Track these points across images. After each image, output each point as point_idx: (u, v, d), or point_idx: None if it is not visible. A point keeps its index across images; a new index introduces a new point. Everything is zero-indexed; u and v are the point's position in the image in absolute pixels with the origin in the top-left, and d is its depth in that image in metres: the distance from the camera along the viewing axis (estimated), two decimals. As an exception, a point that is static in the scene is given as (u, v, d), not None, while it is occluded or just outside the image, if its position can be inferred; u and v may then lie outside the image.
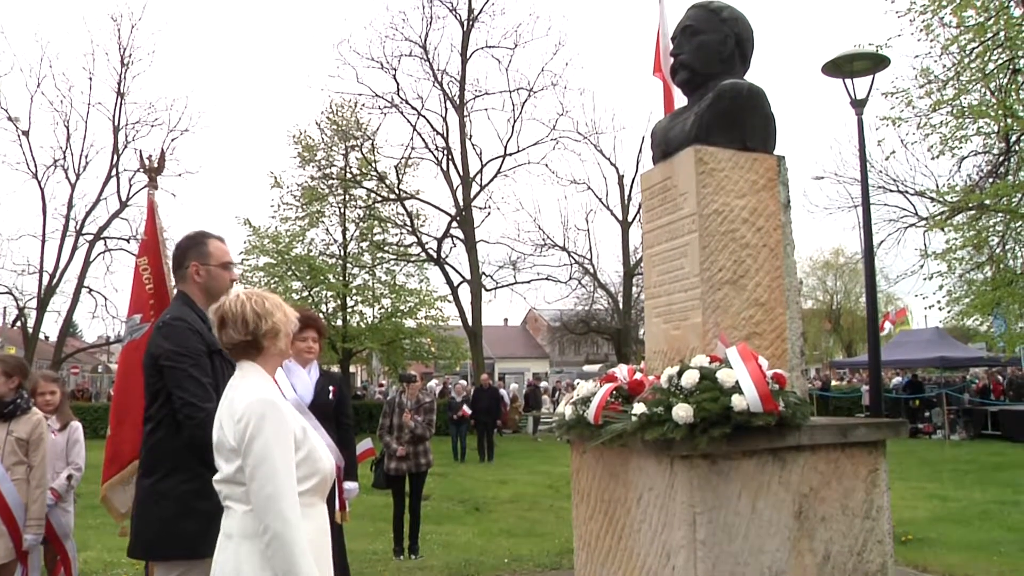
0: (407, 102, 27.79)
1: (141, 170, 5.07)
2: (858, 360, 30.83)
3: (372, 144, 28.18)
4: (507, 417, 24.63)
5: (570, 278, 29.93)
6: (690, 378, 3.25)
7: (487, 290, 28.71)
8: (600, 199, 30.16)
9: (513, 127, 28.96)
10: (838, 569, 3.53)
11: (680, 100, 4.76)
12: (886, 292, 35.18)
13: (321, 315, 23.22)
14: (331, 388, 5.31)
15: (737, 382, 3.19)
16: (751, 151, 3.98)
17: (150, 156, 5.06)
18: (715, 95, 3.97)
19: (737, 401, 3.13)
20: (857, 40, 10.50)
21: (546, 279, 29.78)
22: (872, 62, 9.92)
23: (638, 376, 3.73)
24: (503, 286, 29.65)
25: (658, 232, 4.14)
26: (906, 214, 18.43)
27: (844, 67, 9.84)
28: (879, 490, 3.69)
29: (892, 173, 18.60)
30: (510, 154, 28.59)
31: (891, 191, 18.52)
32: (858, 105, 10.16)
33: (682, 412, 3.11)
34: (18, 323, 27.78)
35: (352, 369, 30.96)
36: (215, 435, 2.63)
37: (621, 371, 3.84)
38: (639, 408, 3.29)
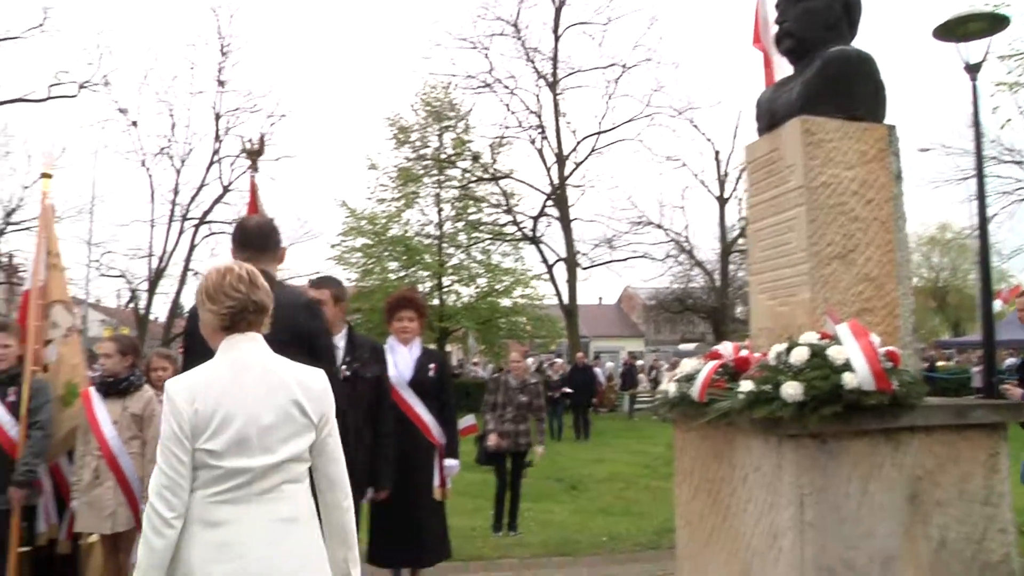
0: (500, 81, 27.80)
1: (243, 154, 5.20)
2: (966, 340, 29.57)
3: (466, 124, 28.31)
4: (603, 396, 24.54)
5: (666, 256, 29.60)
6: (799, 355, 3.16)
7: (583, 268, 28.63)
8: (695, 175, 29.71)
9: (607, 104, 28.72)
10: (955, 557, 3.39)
11: (781, 71, 4.62)
12: (999, 268, 33.65)
13: (418, 294, 23.50)
14: (432, 365, 5.36)
15: (848, 359, 3.07)
16: (860, 120, 3.83)
17: (251, 140, 5.21)
18: (822, 63, 3.82)
19: (848, 379, 3.03)
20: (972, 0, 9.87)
21: (642, 257, 29.51)
22: (988, 23, 9.38)
23: (743, 353, 3.65)
24: (599, 264, 29.52)
25: (763, 206, 4.03)
26: (1021, 186, 17.57)
27: (957, 30, 9.36)
28: (999, 476, 3.51)
29: (1007, 142, 17.73)
30: (604, 131, 28.34)
31: (1005, 162, 17.67)
32: (972, 70, 9.66)
33: (791, 390, 3.02)
34: (131, 304, 28.95)
35: (448, 348, 31.31)
36: (270, 414, 2.48)
37: (726, 348, 3.76)
38: (746, 386, 3.22)
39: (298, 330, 3.49)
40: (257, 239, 3.76)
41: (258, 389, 2.49)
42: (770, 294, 3.96)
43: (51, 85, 23.74)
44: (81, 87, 23.94)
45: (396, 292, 5.93)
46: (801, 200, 3.70)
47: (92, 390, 5.13)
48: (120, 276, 27.44)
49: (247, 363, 2.52)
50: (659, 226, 28.98)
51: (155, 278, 26.64)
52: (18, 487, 4.82)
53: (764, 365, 3.32)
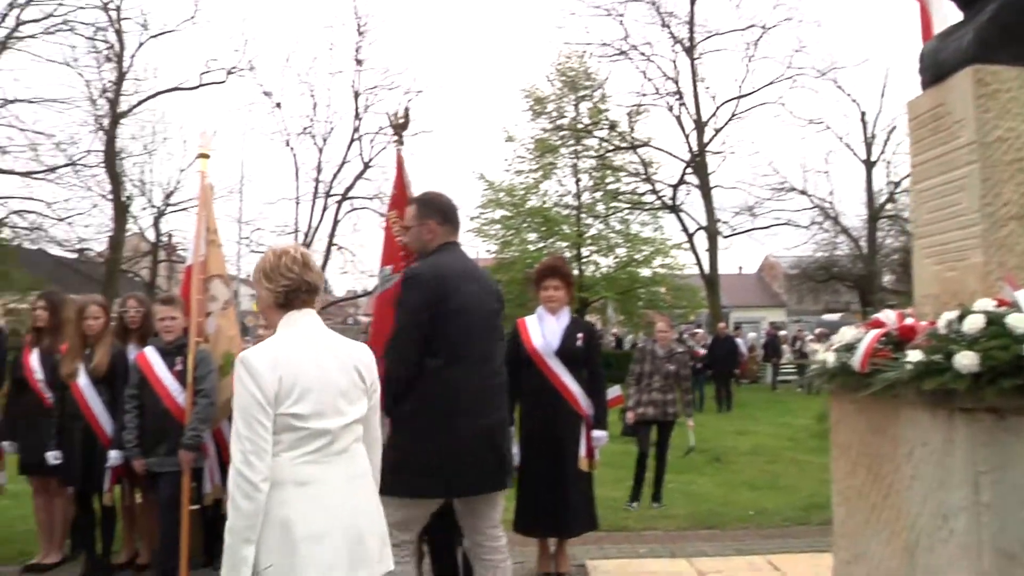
0: (636, 48, 27.36)
1: (389, 127, 5.27)
2: None
3: (602, 93, 28.03)
4: (745, 367, 24.01)
5: (811, 223, 28.56)
6: (973, 323, 2.93)
7: (723, 237, 27.98)
8: (840, 138, 28.51)
9: (747, 67, 27.84)
10: None
11: (939, 23, 4.31)
12: None
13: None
14: (580, 335, 5.32)
15: (1031, 328, 2.84)
16: (1041, 69, 3.52)
17: (396, 113, 5.25)
18: (998, 5, 3.52)
19: (1031, 349, 2.79)
20: None
21: (785, 224, 28.59)
22: None
23: (909, 321, 3.43)
24: (740, 233, 28.79)
25: (928, 165, 3.76)
26: None
27: None
28: None
29: None
30: (744, 95, 27.51)
31: None
32: None
33: (966, 360, 2.80)
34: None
35: (587, 319, 31.26)
36: (341, 379, 2.77)
37: (888, 316, 3.54)
38: (914, 355, 3.01)
39: (499, 296, 3.87)
40: (455, 214, 3.94)
41: (327, 358, 2.78)
42: (937, 258, 3.71)
43: (202, 73, 24.88)
44: (229, 73, 24.99)
45: (543, 261, 5.91)
46: (973, 157, 3.43)
47: (149, 350, 5.38)
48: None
49: (311, 336, 2.81)
50: (802, 192, 28.03)
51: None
52: (187, 450, 5.11)
53: (933, 334, 3.10)
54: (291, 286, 2.80)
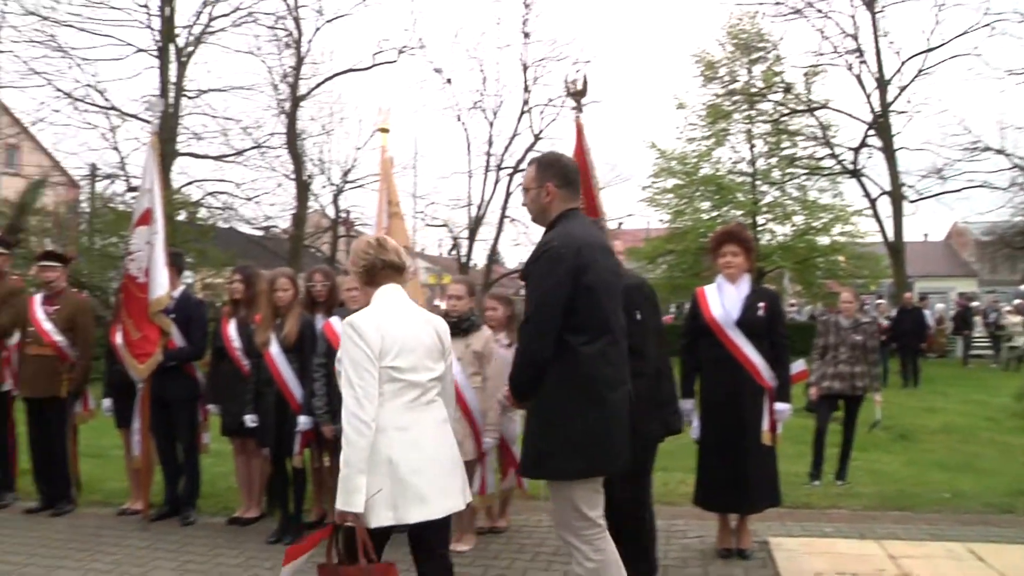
0: (811, 5, 25.98)
1: (566, 94, 5.23)
2: None
3: (776, 55, 26.90)
4: (932, 340, 22.66)
5: (1010, 184, 26.46)
6: None
7: (909, 202, 26.35)
8: (1047, 90, 26.17)
9: (936, 17, 25.97)
10: None
11: None
12: None
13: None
14: (761, 304, 5.12)
15: None
16: None
17: (574, 80, 5.20)
18: None
19: None
20: None
21: (979, 187, 26.60)
22: None
23: None
24: (927, 197, 26.99)
25: None
26: None
27: None
28: None
29: None
30: (933, 48, 25.66)
31: None
32: None
33: None
34: (453, 252, 30.86)
35: (764, 288, 30.33)
36: (427, 341, 3.40)
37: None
38: None
39: (620, 266, 3.81)
40: (576, 178, 3.79)
41: (416, 324, 3.42)
42: None
43: (374, 54, 25.61)
44: (400, 52, 25.60)
45: (720, 227, 5.72)
46: None
47: None
48: (442, 226, 29.30)
49: (400, 306, 3.42)
50: (999, 151, 25.92)
51: (474, 226, 28.13)
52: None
53: None
54: (368, 265, 3.43)
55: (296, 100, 24.20)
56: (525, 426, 3.67)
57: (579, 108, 5.14)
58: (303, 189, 24.60)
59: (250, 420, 5.86)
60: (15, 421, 7.17)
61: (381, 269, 3.43)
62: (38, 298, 6.73)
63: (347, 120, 42.61)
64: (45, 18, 20.44)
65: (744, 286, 5.18)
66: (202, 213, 22.91)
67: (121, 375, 6.44)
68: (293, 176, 24.39)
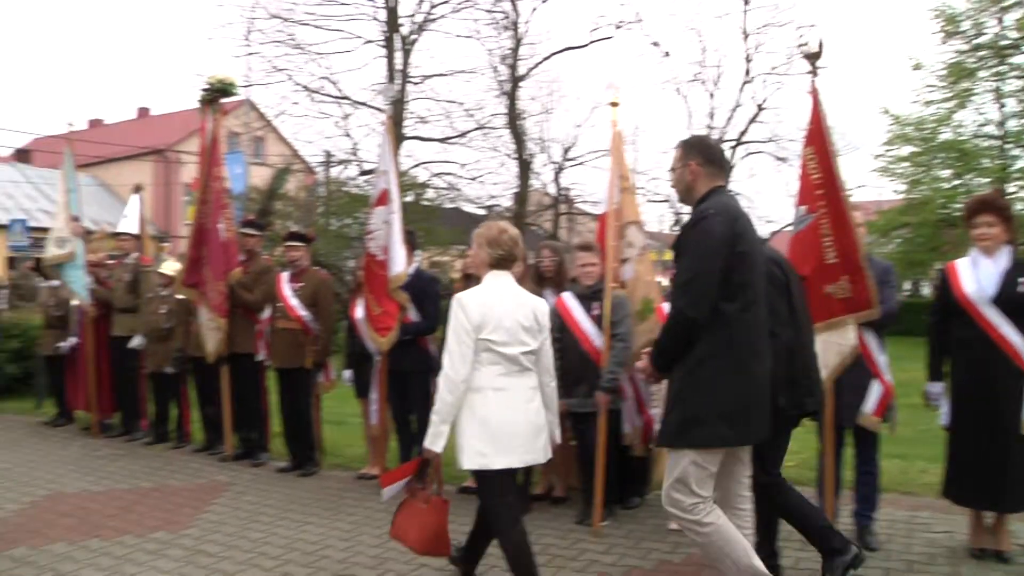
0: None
1: (801, 58, 4.98)
2: None
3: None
4: None
5: None
6: None
7: None
8: None
9: None
10: None
11: None
12: None
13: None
14: (1022, 280, 4.64)
15: None
16: None
17: (808, 43, 4.93)
18: None
19: None
20: None
21: None
22: None
23: None
24: None
25: None
26: None
27: None
28: None
29: None
30: None
31: None
32: None
33: None
34: (675, 227, 30.40)
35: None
36: (524, 321, 3.97)
37: None
38: None
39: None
40: (719, 157, 3.83)
41: (514, 304, 4.00)
42: None
43: (591, 30, 25.51)
44: (617, 28, 25.35)
45: (974, 195, 5.24)
46: None
47: (567, 295, 5.50)
48: (664, 201, 28.87)
49: (505, 288, 4.04)
50: None
51: (698, 202, 27.59)
52: (604, 392, 5.32)
53: None
54: (503, 255, 4.04)
55: (516, 81, 24.59)
56: (667, 395, 3.72)
57: (814, 71, 4.86)
58: (524, 168, 25.01)
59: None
60: (268, 389, 7.80)
61: (507, 260, 4.07)
62: (285, 276, 7.26)
63: (566, 98, 42.77)
64: (285, 19, 21.91)
65: (1003, 260, 4.69)
66: (429, 194, 23.83)
67: (360, 348, 6.83)
68: (515, 155, 24.84)
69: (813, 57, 4.82)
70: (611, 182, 5.75)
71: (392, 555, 5.06)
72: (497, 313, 3.89)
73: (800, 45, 4.94)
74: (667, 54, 27.19)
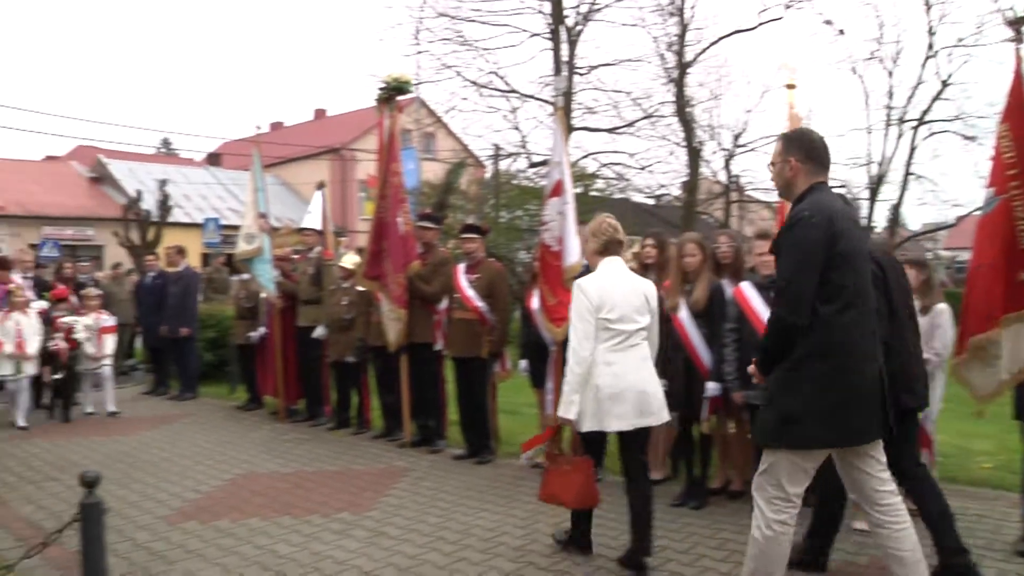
0: None
1: (1003, 23, 4.63)
2: None
3: None
4: None
5: None
6: None
7: None
8: None
9: None
10: None
11: None
12: None
13: None
14: None
15: None
16: None
17: (1011, 8, 4.57)
18: None
19: None
20: None
21: None
22: None
23: None
24: None
25: None
26: None
27: None
28: None
29: None
30: None
31: None
32: None
33: None
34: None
35: None
36: (635, 300, 4.53)
37: None
38: None
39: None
40: (821, 153, 3.71)
41: (627, 286, 4.56)
42: None
43: (760, 12, 24.63)
44: (787, 7, 24.40)
45: None
46: None
47: (745, 285, 5.44)
48: (840, 186, 27.61)
49: (617, 272, 4.60)
50: None
51: (875, 185, 26.27)
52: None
53: None
54: (607, 241, 4.64)
55: (683, 67, 24.11)
56: (767, 393, 3.67)
57: (1019, 38, 4.49)
58: (694, 156, 24.48)
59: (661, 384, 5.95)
60: (445, 378, 7.99)
61: (613, 244, 4.64)
62: (461, 267, 7.41)
63: (735, 83, 41.45)
64: (453, 17, 22.34)
65: None
66: (598, 185, 23.75)
67: (536, 338, 6.88)
68: (684, 143, 24.40)
69: (1017, 23, 4.45)
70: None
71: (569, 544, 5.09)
72: (612, 295, 4.46)
73: (1000, 11, 4.58)
74: (841, 32, 25.84)
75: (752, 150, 25.52)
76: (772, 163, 3.79)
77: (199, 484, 6.72)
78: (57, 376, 9.75)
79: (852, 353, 3.48)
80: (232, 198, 34.38)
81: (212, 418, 9.92)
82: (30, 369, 9.40)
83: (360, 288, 8.38)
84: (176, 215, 25.88)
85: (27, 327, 9.33)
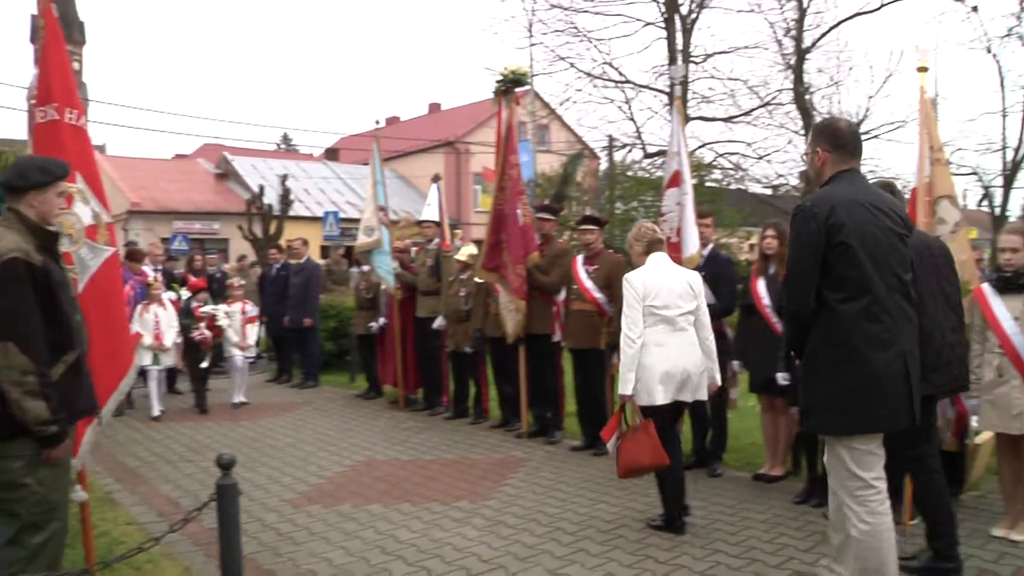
0: None
1: None
2: None
3: None
4: None
5: None
6: None
7: None
8: None
9: None
10: None
11: None
12: None
13: None
14: None
15: None
16: None
17: None
18: None
19: None
20: None
21: None
22: None
23: None
24: None
25: None
26: None
27: None
28: None
29: None
30: None
31: None
32: None
33: None
34: (983, 203, 27.69)
35: None
36: (678, 288, 5.10)
37: None
38: None
39: (903, 220, 3.79)
40: (849, 140, 3.76)
41: (671, 277, 5.15)
42: None
43: (885, -8, 23.69)
44: (914, -14, 23.38)
45: None
46: None
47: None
48: (972, 174, 26.38)
49: (661, 265, 5.21)
50: None
51: (1010, 172, 24.93)
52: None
53: None
54: (649, 241, 5.29)
55: (801, 53, 23.41)
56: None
57: None
58: (813, 145, 23.84)
59: (782, 378, 5.78)
60: (563, 369, 7.99)
61: (655, 244, 5.30)
62: (580, 258, 7.39)
63: (856, 68, 39.89)
64: (566, 8, 22.29)
65: None
66: (714, 175, 23.34)
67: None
68: (802, 132, 23.72)
69: None
70: (920, 154, 5.30)
71: (687, 538, 5.05)
72: (657, 284, 5.07)
73: None
74: (975, 9, 24.61)
75: (875, 137, 24.50)
76: (805, 153, 4.14)
77: (322, 470, 6.92)
78: (203, 365, 9.85)
79: (863, 341, 3.52)
80: (350, 192, 35.19)
81: (333, 406, 10.19)
82: (167, 360, 9.60)
83: (478, 279, 8.45)
84: (296, 209, 26.63)
85: (164, 319, 9.50)
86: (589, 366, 7.31)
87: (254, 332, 10.55)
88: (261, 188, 22.15)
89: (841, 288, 3.55)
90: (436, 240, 9.50)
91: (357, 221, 10.62)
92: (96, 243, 4.17)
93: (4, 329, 3.27)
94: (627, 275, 5.19)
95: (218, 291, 11.79)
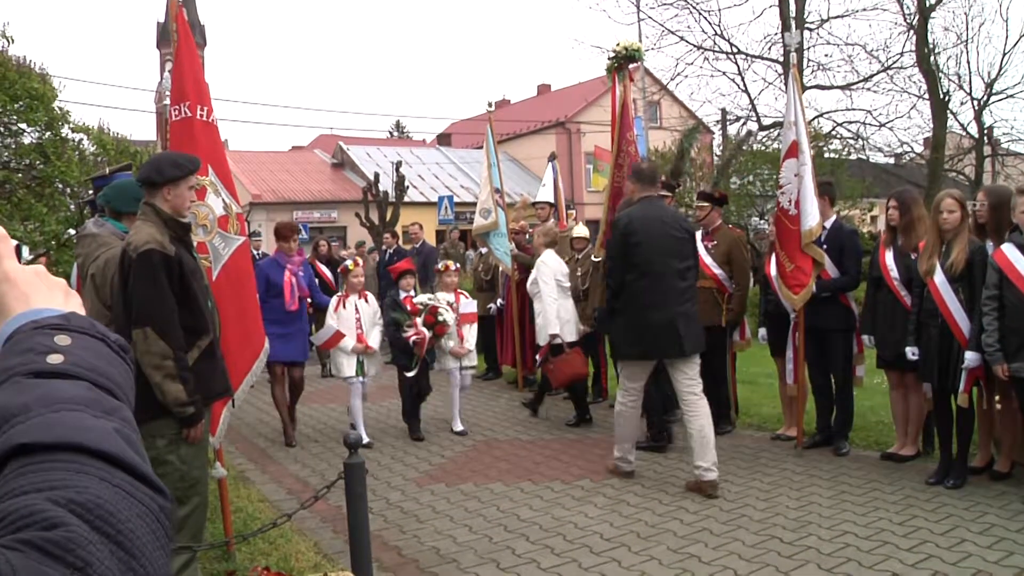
0: None
1: None
2: None
3: None
4: None
5: None
6: None
7: None
8: None
9: None
10: None
11: None
12: None
13: None
14: None
15: None
16: None
17: None
18: None
19: None
20: None
21: None
22: None
23: None
24: None
25: None
26: None
27: None
28: None
29: None
30: None
31: None
32: None
33: None
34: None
35: None
36: (565, 268, 7.74)
37: None
38: None
39: (684, 227, 5.95)
40: (646, 176, 5.75)
41: (560, 263, 7.86)
42: None
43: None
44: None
45: None
46: None
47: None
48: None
49: (555, 256, 7.81)
50: None
51: None
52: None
53: None
54: (553, 239, 7.32)
55: (925, 12, 22.33)
56: None
57: None
58: (940, 108, 22.65)
59: (910, 353, 5.58)
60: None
61: (553, 241, 6.72)
62: (698, 235, 7.24)
63: (988, 23, 37.64)
64: (675, -19, 21.82)
65: None
66: (834, 145, 22.54)
67: (776, 305, 6.66)
68: (927, 96, 22.65)
69: None
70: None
71: (813, 518, 4.95)
72: (556, 267, 7.22)
73: None
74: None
75: (1010, 96, 23.19)
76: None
77: (443, 449, 7.06)
78: (410, 374, 7.47)
79: (643, 303, 5.59)
80: (463, 176, 35.58)
81: (447, 389, 10.32)
82: (373, 368, 7.59)
83: (596, 259, 8.41)
84: (411, 195, 27.11)
85: (366, 314, 7.55)
86: (711, 344, 7.09)
87: (473, 334, 8.05)
88: (376, 175, 22.57)
89: (634, 271, 5.59)
90: (551, 220, 9.48)
91: (471, 205, 10.75)
92: (228, 233, 4.36)
93: (143, 316, 3.47)
94: (541, 257, 7.78)
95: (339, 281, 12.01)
